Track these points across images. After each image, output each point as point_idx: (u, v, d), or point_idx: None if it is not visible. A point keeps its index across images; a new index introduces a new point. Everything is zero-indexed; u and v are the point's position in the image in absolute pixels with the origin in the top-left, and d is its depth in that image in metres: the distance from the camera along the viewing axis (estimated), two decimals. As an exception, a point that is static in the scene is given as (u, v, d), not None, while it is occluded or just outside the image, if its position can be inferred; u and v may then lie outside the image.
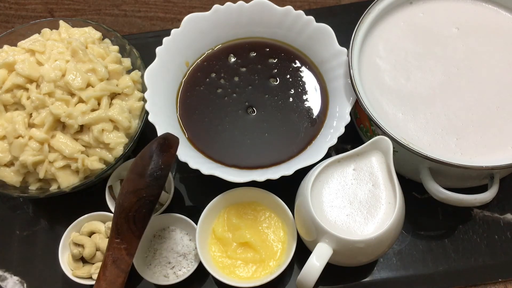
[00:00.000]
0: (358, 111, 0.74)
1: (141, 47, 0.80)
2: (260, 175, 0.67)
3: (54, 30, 0.79)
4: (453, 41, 0.74)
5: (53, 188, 0.72)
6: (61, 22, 0.80)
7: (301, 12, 0.78)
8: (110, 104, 0.73)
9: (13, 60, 0.72)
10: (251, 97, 0.77)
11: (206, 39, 0.80)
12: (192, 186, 0.79)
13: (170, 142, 0.61)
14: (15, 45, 0.77)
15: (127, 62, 0.79)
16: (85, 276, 0.69)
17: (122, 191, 0.61)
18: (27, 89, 0.71)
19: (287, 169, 0.67)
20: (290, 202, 0.68)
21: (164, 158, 0.59)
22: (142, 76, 0.76)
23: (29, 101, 0.70)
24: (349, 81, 0.71)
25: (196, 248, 0.68)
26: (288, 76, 0.78)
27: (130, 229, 0.60)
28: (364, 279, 0.71)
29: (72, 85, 0.70)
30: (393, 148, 0.63)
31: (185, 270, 0.69)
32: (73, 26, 0.80)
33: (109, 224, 0.71)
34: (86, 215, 0.72)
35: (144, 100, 0.74)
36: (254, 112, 0.76)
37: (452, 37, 0.74)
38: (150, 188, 0.59)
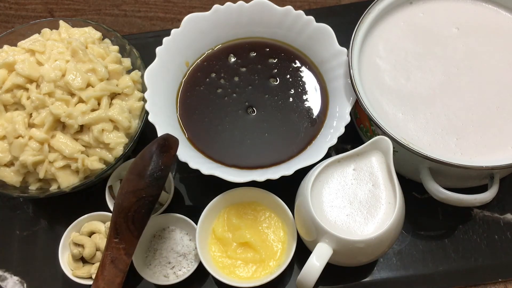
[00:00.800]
0: (358, 111, 0.74)
1: (141, 47, 0.80)
2: (260, 175, 0.67)
3: (54, 30, 0.79)
4: (453, 41, 0.74)
5: (53, 188, 0.72)
6: (61, 22, 0.80)
7: (301, 12, 0.78)
8: (110, 104, 0.73)
9: (13, 60, 0.72)
10: (251, 97, 0.77)
11: (206, 39, 0.80)
12: (192, 186, 0.79)
13: (170, 143, 0.61)
14: (15, 45, 0.77)
15: (127, 62, 0.79)
16: (85, 276, 0.69)
17: (122, 191, 0.61)
18: (27, 89, 0.71)
19: (287, 169, 0.67)
20: (290, 202, 0.68)
21: (164, 159, 0.59)
22: (142, 76, 0.76)
23: (29, 101, 0.70)
24: (349, 81, 0.71)
25: (196, 248, 0.68)
26: (288, 76, 0.78)
27: (128, 229, 0.60)
28: (364, 279, 0.71)
29: (72, 85, 0.70)
30: (393, 148, 0.63)
31: (185, 270, 0.69)
32: (73, 26, 0.80)
33: (109, 224, 0.71)
34: (86, 215, 0.72)
35: (144, 100, 0.74)
36: (254, 112, 0.76)
37: (452, 37, 0.74)
38: (150, 189, 0.59)
